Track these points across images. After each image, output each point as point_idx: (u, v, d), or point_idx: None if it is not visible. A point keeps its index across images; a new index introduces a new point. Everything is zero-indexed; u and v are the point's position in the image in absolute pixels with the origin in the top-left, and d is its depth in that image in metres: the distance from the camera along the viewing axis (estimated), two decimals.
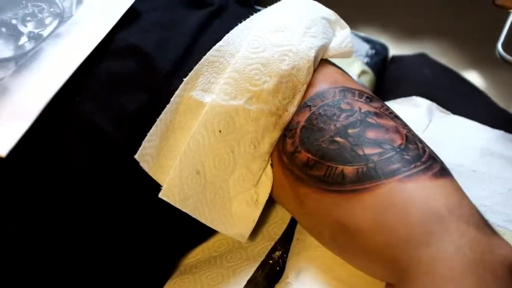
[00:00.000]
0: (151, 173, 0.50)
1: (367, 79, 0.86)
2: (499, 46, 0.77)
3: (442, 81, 0.86)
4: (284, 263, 0.59)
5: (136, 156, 0.49)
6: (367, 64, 0.87)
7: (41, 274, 0.53)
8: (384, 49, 0.94)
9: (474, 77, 1.14)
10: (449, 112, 0.71)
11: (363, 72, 0.86)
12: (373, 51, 0.89)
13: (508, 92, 1.08)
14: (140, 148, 0.49)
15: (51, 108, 0.49)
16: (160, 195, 0.49)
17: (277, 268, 0.59)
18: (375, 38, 0.98)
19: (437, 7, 1.14)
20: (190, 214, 0.51)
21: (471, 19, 1.07)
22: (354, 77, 0.84)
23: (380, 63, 0.91)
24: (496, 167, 0.64)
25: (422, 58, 0.94)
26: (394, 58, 0.96)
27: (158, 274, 0.60)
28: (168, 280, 0.60)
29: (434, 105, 0.71)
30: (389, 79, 0.91)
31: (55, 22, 0.54)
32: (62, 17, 0.54)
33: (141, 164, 0.50)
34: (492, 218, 0.60)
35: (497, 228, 0.58)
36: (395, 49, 1.03)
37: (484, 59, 1.09)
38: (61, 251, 0.53)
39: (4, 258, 0.51)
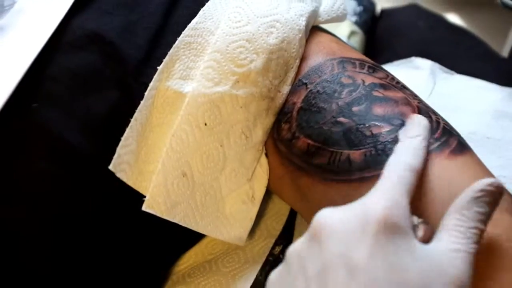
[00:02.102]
0: (130, 183, 0.46)
1: (357, 40, 0.81)
2: None
3: (440, 34, 0.82)
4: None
5: (110, 167, 0.44)
6: (356, 23, 0.81)
7: None
8: (372, 4, 0.88)
9: (457, 20, 1.12)
10: (453, 72, 0.67)
11: (352, 33, 0.81)
12: (361, 8, 0.84)
13: (492, 33, 1.05)
14: (115, 157, 0.44)
15: (3, 120, 0.43)
16: (144, 208, 0.45)
17: (279, 264, 0.55)
18: None
19: None
20: (180, 223, 0.47)
21: None
22: (344, 39, 0.79)
23: (370, 21, 0.85)
24: (510, 130, 0.60)
25: (414, 9, 0.89)
26: (384, 12, 0.91)
27: (149, 286, 0.55)
28: None
29: (436, 65, 0.67)
30: (380, 37, 0.86)
31: None
32: (1, 6, 0.48)
33: (118, 175, 0.45)
34: None
35: None
36: (380, 1, 0.98)
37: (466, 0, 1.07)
38: (37, 274, 0.48)
39: None
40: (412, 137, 0.40)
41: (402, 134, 0.42)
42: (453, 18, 1.14)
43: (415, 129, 0.41)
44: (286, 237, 0.56)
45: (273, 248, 0.56)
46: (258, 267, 0.54)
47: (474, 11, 1.13)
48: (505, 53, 1.00)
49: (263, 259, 0.54)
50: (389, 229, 0.33)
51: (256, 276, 0.53)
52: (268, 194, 0.58)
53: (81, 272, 0.49)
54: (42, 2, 0.47)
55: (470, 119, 0.60)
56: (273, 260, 0.55)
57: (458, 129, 0.49)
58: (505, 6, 0.72)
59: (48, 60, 0.45)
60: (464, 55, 0.77)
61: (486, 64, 0.75)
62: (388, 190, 0.35)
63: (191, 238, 0.58)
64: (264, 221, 0.58)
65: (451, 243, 0.35)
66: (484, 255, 0.37)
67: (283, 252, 0.56)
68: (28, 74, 0.44)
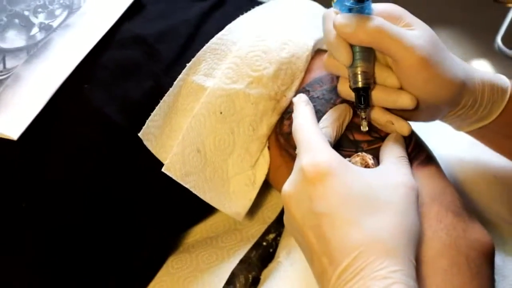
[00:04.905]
0: (154, 151, 0.57)
1: None
2: (499, 39, 0.82)
3: None
4: (277, 245, 0.66)
5: (140, 134, 0.55)
6: None
7: (46, 248, 0.58)
8: None
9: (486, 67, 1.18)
10: None
11: None
12: None
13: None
14: (144, 127, 0.56)
15: (61, 95, 0.55)
16: (164, 169, 0.56)
17: (270, 250, 0.66)
18: None
19: None
20: (191, 190, 0.57)
21: (477, 11, 1.10)
22: None
23: None
24: (483, 156, 0.69)
25: None
26: None
27: (160, 251, 0.66)
28: (169, 257, 0.67)
29: None
30: None
31: (65, 14, 0.60)
32: (71, 9, 0.60)
33: (145, 143, 0.56)
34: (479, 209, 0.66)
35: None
36: None
37: (488, 50, 1.13)
38: (64, 229, 0.58)
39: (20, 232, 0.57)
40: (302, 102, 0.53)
41: (295, 100, 0.55)
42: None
43: (302, 97, 0.55)
44: (278, 227, 0.67)
45: (266, 234, 0.66)
46: (249, 246, 0.64)
47: (494, 61, 1.18)
48: None
49: (256, 239, 0.65)
50: (318, 175, 0.44)
51: (247, 253, 0.64)
52: (267, 189, 0.69)
53: (105, 225, 0.59)
54: (101, 8, 0.60)
55: (448, 142, 0.70)
56: (266, 245, 0.65)
57: (435, 150, 0.59)
58: (502, 53, 0.81)
59: (101, 52, 0.57)
60: None
61: None
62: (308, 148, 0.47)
63: (199, 213, 0.69)
64: (262, 211, 0.69)
65: (393, 161, 0.48)
66: (425, 243, 0.48)
67: (275, 239, 0.66)
68: (84, 61, 0.56)
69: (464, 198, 0.56)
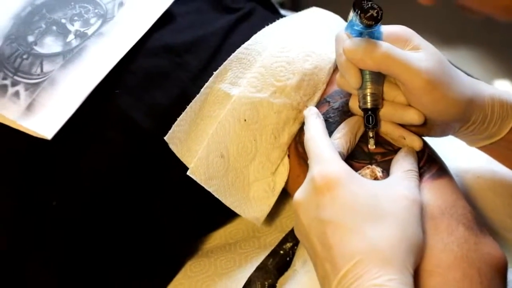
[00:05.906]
0: (179, 155, 0.60)
1: None
2: None
3: None
4: (294, 254, 0.68)
5: (165, 138, 0.59)
6: None
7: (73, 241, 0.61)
8: None
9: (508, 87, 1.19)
10: None
11: None
12: None
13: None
14: (170, 131, 0.59)
15: (93, 99, 0.58)
16: (188, 173, 0.59)
17: (287, 259, 0.67)
18: None
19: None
20: (213, 193, 0.60)
21: (500, 31, 1.12)
22: None
23: None
24: (499, 175, 0.70)
25: None
26: None
27: (180, 254, 0.69)
28: (188, 260, 0.69)
29: None
30: None
31: (99, 22, 0.64)
32: (105, 18, 0.64)
33: (170, 146, 0.59)
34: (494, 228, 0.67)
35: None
36: None
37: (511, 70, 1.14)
38: (89, 228, 0.61)
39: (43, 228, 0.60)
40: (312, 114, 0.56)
41: (306, 112, 0.58)
42: (505, 85, 1.20)
43: (313, 109, 0.57)
44: (295, 236, 0.68)
45: (284, 243, 0.68)
46: (266, 253, 0.66)
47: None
48: None
49: (272, 247, 0.67)
50: (327, 185, 0.48)
51: (264, 260, 0.65)
52: (286, 198, 0.71)
53: (128, 225, 0.62)
54: (134, 18, 0.64)
55: (466, 159, 0.71)
56: (284, 253, 0.67)
57: (453, 165, 0.61)
58: None
59: (131, 59, 0.61)
60: None
61: None
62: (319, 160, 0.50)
63: (218, 220, 0.72)
64: (280, 219, 0.71)
65: (399, 175, 0.51)
66: (436, 255, 0.49)
67: (292, 248, 0.68)
68: (115, 68, 0.59)
69: (478, 213, 0.57)
